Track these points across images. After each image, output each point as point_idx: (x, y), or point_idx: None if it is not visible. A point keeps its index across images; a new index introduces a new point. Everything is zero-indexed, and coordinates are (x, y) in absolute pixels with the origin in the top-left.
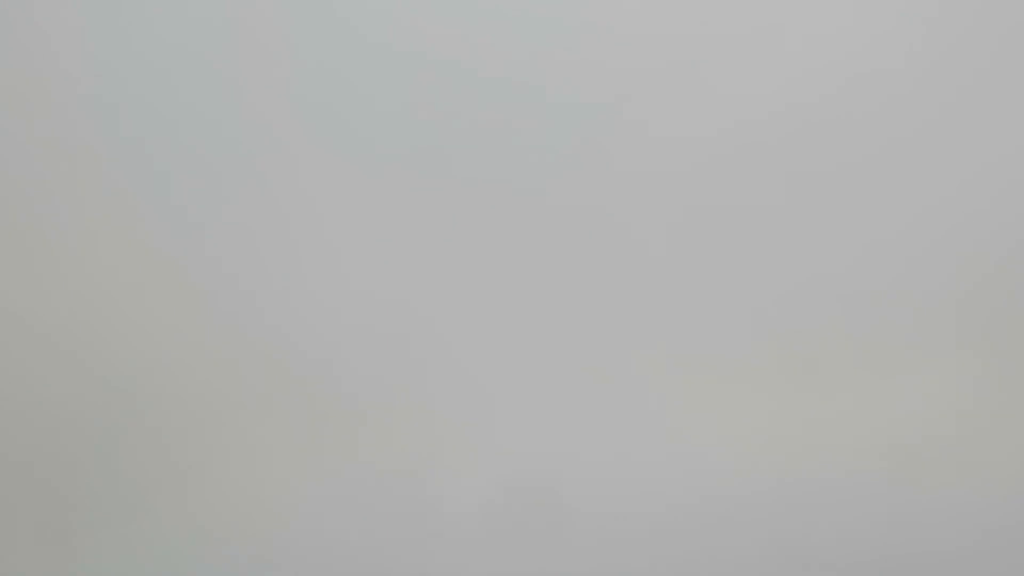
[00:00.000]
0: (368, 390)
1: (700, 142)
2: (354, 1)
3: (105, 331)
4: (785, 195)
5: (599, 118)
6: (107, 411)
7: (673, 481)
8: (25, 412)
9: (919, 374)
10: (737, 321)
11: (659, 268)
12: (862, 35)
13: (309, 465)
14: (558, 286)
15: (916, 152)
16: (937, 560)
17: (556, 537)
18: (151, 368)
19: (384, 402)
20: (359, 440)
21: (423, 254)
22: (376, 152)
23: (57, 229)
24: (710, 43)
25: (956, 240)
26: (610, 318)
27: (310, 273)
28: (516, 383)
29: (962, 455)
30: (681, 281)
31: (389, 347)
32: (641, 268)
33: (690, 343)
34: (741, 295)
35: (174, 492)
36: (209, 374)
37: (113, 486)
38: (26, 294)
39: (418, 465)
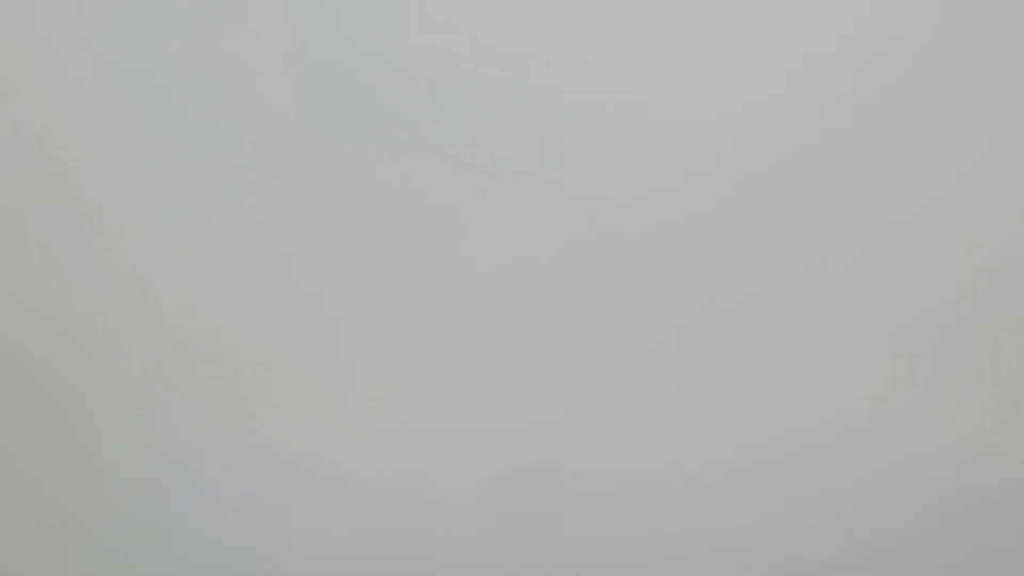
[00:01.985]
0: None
1: (686, 150)
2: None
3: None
4: (769, 199)
5: (584, 127)
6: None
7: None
8: None
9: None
10: (717, 319)
11: (648, 270)
12: (847, 40)
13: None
14: (536, 285)
15: (898, 158)
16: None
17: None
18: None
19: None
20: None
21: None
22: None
23: None
24: (692, 57)
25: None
26: (591, 313)
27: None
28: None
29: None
30: (671, 279)
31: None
32: (627, 267)
33: (676, 340)
34: (720, 294)
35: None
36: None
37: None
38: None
39: (409, 449)
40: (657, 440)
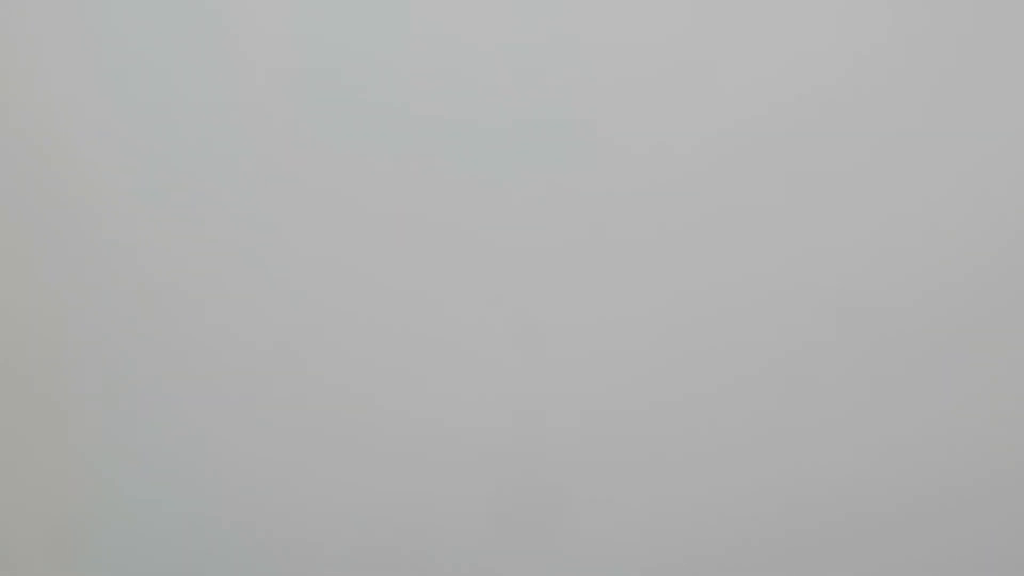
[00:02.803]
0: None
1: (680, 152)
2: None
3: None
4: (766, 201)
5: (580, 129)
6: None
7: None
8: None
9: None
10: (728, 325)
11: (649, 266)
12: (848, 41)
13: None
14: (537, 285)
15: (903, 159)
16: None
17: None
18: None
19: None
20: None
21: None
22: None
23: None
24: (693, 51)
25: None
26: (592, 312)
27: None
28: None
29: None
30: (665, 281)
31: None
32: (628, 264)
33: (677, 343)
34: (730, 296)
35: None
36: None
37: None
38: None
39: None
40: (656, 437)
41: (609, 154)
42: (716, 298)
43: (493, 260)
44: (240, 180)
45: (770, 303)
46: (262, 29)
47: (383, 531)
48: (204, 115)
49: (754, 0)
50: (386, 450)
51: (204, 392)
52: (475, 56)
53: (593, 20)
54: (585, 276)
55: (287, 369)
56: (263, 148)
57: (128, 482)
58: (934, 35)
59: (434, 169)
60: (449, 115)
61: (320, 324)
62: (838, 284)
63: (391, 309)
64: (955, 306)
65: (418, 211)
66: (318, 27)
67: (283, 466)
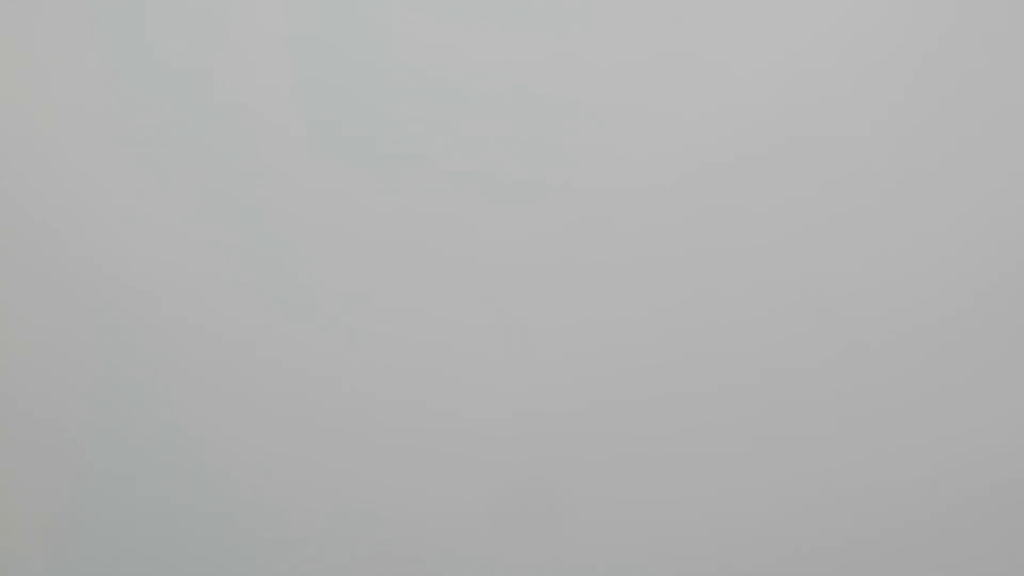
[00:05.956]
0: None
1: (674, 160)
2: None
3: None
4: (768, 206)
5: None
6: None
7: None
8: None
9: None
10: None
11: (649, 267)
12: (845, 55)
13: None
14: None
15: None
16: None
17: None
18: None
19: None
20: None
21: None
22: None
23: None
24: (692, 57)
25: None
26: (592, 316)
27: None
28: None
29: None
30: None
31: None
32: (627, 266)
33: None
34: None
35: None
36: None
37: None
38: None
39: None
40: (656, 439)
41: (608, 162)
42: (714, 304)
43: (493, 268)
44: (243, 185)
45: (771, 305)
46: (264, 79)
47: (379, 529)
48: (210, 122)
49: (757, 5)
50: (383, 449)
51: (203, 391)
52: (470, 102)
53: (592, 24)
54: (587, 279)
55: (285, 369)
56: (265, 158)
57: (128, 481)
58: (929, 62)
59: (432, 176)
60: (445, 153)
61: (323, 329)
62: (843, 288)
63: (393, 314)
64: (957, 312)
65: (417, 227)
66: (320, 35)
67: (281, 465)
